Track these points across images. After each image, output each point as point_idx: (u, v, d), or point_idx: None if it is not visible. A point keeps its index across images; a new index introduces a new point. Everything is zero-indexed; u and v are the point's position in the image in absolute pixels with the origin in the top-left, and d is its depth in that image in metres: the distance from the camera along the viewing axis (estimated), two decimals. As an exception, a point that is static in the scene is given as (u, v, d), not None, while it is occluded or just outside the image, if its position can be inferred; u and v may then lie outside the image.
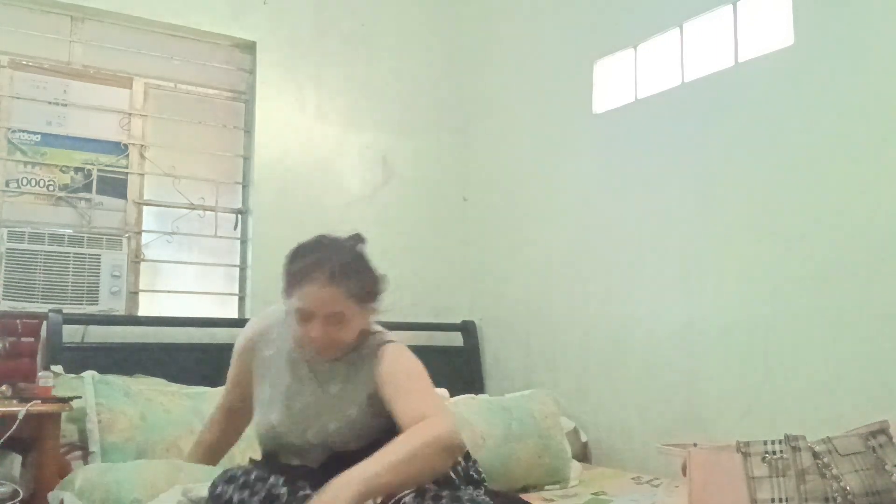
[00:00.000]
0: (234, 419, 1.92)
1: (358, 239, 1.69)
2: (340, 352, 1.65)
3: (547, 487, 2.70)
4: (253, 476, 1.55)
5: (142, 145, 3.28)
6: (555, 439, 2.82)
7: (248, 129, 3.51)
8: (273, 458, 1.70)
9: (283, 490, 1.52)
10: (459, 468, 1.68)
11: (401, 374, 1.60)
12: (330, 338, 1.60)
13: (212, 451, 1.97)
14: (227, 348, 3.08)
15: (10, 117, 3.05)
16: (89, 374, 2.44)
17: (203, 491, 1.67)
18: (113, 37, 3.28)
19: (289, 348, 1.71)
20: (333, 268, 1.57)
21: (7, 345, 2.62)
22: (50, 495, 2.07)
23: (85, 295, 2.93)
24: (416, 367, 1.63)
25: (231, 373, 1.87)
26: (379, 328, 1.73)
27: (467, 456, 1.74)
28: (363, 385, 1.64)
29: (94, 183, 3.15)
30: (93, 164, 3.16)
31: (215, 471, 2.15)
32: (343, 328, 1.60)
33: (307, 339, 1.61)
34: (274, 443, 1.69)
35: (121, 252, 3.04)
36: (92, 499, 1.93)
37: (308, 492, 1.49)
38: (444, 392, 2.70)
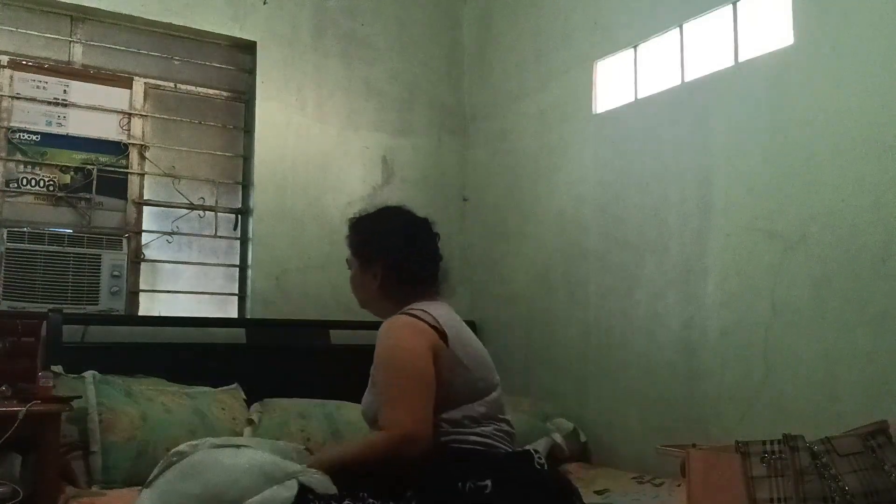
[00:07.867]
0: None
1: (396, 211, 1.97)
2: (361, 303, 1.83)
3: None
4: None
5: (142, 145, 3.28)
6: None
7: (248, 129, 3.51)
8: None
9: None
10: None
11: (376, 359, 1.64)
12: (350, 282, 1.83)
13: None
14: (227, 348, 3.13)
15: (11, 117, 3.05)
16: (90, 374, 2.45)
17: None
18: (113, 37, 3.28)
19: None
20: (351, 219, 1.92)
21: (7, 345, 2.62)
22: None
23: (85, 295, 2.93)
24: (389, 352, 1.62)
25: None
26: (414, 308, 1.68)
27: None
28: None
29: (94, 183, 3.15)
30: (93, 164, 3.16)
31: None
32: (351, 277, 1.83)
33: None
34: None
35: (121, 252, 3.04)
36: None
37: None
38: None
